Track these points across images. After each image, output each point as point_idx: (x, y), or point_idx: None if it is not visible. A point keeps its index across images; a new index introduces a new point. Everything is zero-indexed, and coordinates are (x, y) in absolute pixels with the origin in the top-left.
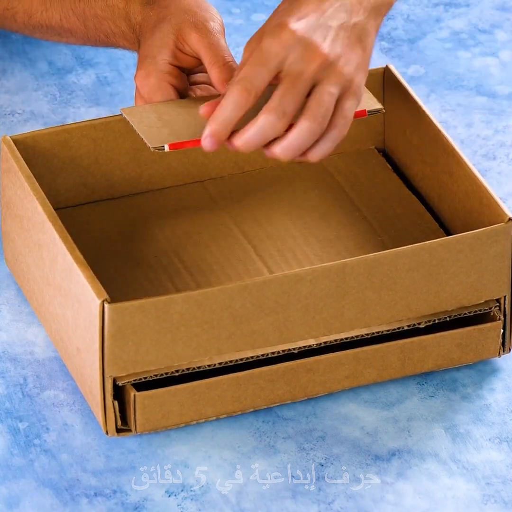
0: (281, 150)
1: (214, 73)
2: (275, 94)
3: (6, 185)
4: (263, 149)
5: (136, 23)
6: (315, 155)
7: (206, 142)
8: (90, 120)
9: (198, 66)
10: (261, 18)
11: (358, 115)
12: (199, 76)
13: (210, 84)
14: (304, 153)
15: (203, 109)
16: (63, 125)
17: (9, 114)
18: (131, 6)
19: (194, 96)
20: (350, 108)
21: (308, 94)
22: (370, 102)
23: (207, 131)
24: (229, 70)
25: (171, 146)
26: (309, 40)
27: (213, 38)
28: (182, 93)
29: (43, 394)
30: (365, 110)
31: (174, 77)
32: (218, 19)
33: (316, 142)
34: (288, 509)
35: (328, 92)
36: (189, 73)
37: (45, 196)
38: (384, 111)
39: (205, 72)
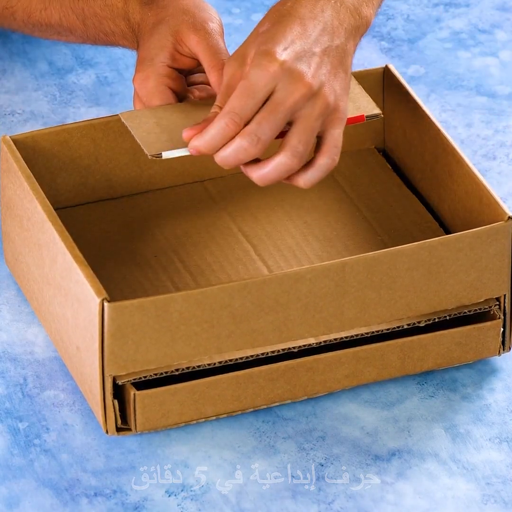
0: (257, 177)
1: (213, 77)
2: (254, 119)
3: (6, 185)
4: (242, 169)
5: (134, 23)
6: (306, 183)
7: (191, 152)
8: (90, 120)
9: (197, 67)
10: (260, 18)
11: (355, 120)
12: (197, 77)
13: (209, 84)
14: (292, 179)
15: (186, 133)
16: (63, 125)
17: (9, 114)
18: (130, 5)
19: (192, 97)
20: (339, 135)
21: (290, 122)
22: (368, 107)
23: (191, 147)
24: None
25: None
26: (295, 70)
27: (212, 40)
28: (180, 95)
29: (43, 394)
30: (363, 115)
31: (172, 79)
32: (217, 19)
33: (307, 169)
34: (288, 509)
35: (311, 127)
36: (187, 74)
37: (45, 196)
38: (382, 116)
39: (203, 72)
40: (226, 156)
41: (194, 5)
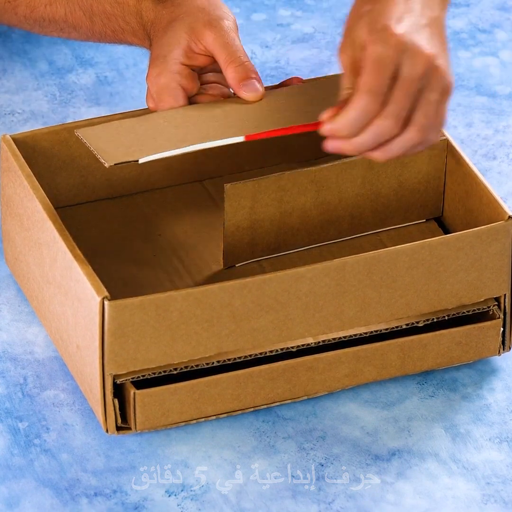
0: (382, 153)
1: (230, 72)
2: (392, 100)
3: (6, 184)
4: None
5: (148, 21)
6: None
7: (329, 144)
8: (90, 119)
9: (210, 65)
10: (261, 17)
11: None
12: (210, 76)
13: (221, 83)
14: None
15: (324, 115)
16: (63, 124)
17: (9, 114)
18: (143, 3)
19: (204, 96)
20: (446, 108)
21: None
22: None
23: (328, 131)
24: (245, 70)
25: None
26: (415, 43)
27: (228, 37)
28: (192, 93)
29: (43, 394)
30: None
31: (184, 77)
32: (231, 17)
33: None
34: (288, 509)
35: (435, 100)
36: (200, 73)
37: (45, 195)
38: None
39: (217, 71)
40: (367, 139)
41: (208, 3)
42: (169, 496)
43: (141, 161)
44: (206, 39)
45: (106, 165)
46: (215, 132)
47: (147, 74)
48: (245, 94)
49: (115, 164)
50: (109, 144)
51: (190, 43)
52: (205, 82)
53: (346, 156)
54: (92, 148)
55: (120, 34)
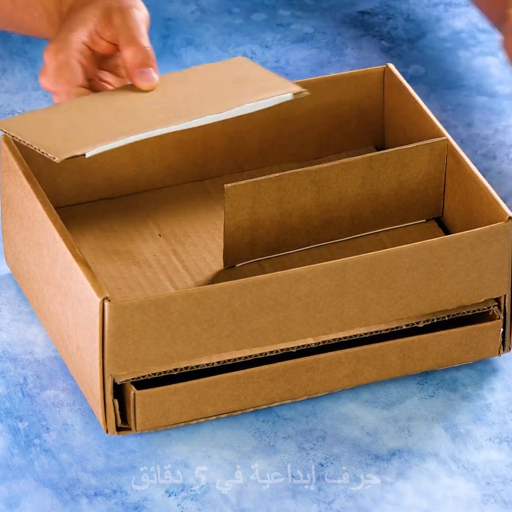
0: None
1: (128, 56)
2: None
3: (6, 184)
4: None
5: (65, 5)
6: None
7: None
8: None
9: (113, 54)
10: (261, 17)
11: None
12: (108, 63)
13: (117, 73)
14: None
15: None
16: None
17: (9, 114)
18: None
19: (98, 84)
20: None
21: None
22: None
23: None
24: (144, 56)
25: None
26: None
27: (134, 22)
28: (89, 77)
29: (43, 394)
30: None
31: (84, 57)
32: (144, 10)
33: None
34: (288, 509)
35: None
36: (100, 61)
37: (45, 195)
38: (308, 93)
39: (117, 62)
40: None
41: None
42: (169, 496)
43: (88, 155)
44: (113, 23)
45: (56, 160)
46: (149, 120)
47: (47, 47)
48: (140, 82)
49: (66, 159)
50: (44, 136)
51: (96, 27)
52: (105, 68)
53: (346, 156)
54: (27, 143)
55: (37, 22)
